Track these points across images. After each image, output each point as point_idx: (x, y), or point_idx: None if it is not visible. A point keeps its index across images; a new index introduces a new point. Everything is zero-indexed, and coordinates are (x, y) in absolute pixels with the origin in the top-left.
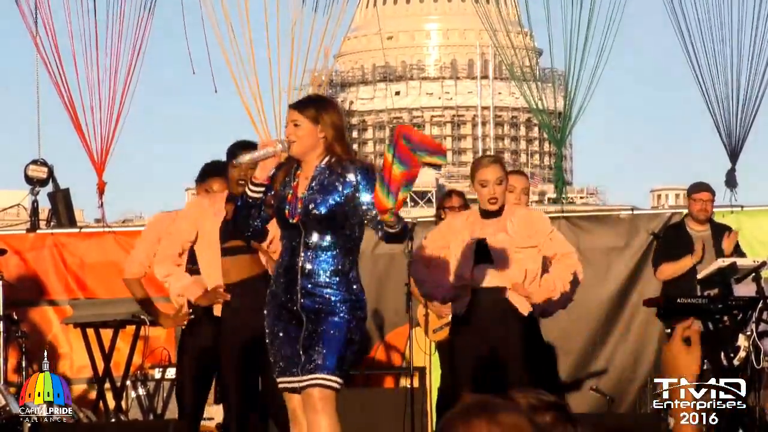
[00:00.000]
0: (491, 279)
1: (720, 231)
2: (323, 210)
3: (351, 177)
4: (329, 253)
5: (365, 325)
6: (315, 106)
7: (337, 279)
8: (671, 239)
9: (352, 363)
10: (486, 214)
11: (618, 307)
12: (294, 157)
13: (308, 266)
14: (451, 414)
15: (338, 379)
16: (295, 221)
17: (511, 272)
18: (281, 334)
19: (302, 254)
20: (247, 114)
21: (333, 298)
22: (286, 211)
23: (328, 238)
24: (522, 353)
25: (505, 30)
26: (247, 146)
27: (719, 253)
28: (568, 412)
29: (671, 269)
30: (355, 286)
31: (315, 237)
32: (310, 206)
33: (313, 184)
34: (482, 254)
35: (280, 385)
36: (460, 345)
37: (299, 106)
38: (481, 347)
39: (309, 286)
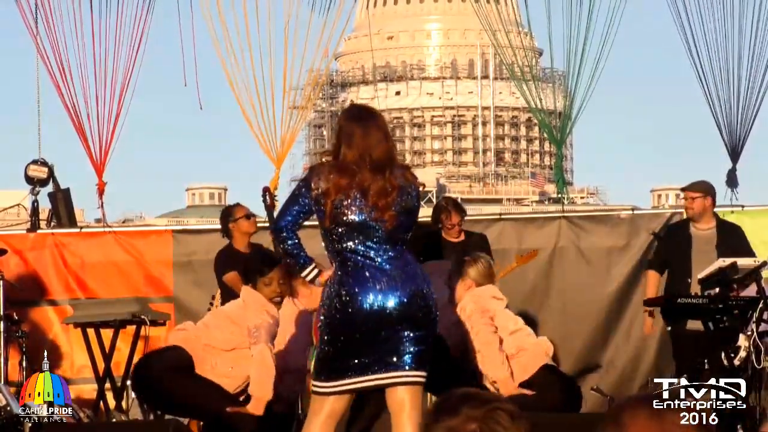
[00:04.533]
0: None
1: (726, 230)
2: (406, 217)
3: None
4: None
5: None
6: None
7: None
8: (670, 239)
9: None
10: None
11: (618, 306)
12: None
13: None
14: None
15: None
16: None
17: None
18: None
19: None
20: (242, 114)
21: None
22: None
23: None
24: None
25: (504, 30)
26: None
27: (723, 254)
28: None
29: (651, 286)
30: None
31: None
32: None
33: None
34: None
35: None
36: None
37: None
38: None
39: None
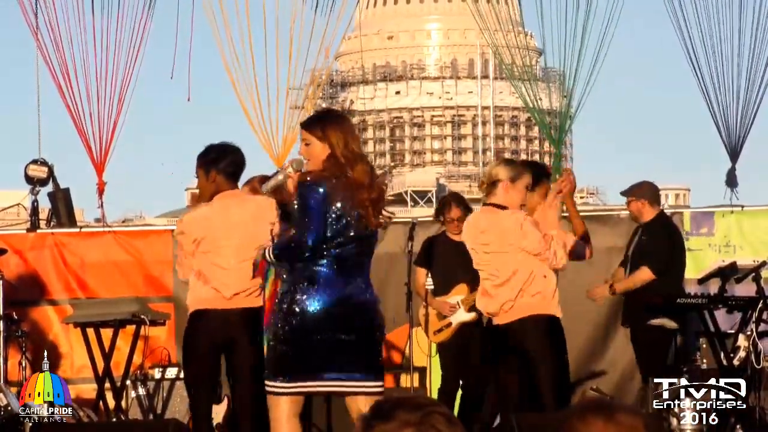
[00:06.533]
0: None
1: (645, 230)
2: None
3: None
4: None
5: None
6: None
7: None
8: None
9: None
10: None
11: (619, 306)
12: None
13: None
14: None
15: None
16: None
17: None
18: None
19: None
20: (244, 113)
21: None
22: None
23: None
24: None
25: (503, 30)
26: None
27: (631, 254)
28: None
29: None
30: None
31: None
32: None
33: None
34: None
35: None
36: None
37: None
38: None
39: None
